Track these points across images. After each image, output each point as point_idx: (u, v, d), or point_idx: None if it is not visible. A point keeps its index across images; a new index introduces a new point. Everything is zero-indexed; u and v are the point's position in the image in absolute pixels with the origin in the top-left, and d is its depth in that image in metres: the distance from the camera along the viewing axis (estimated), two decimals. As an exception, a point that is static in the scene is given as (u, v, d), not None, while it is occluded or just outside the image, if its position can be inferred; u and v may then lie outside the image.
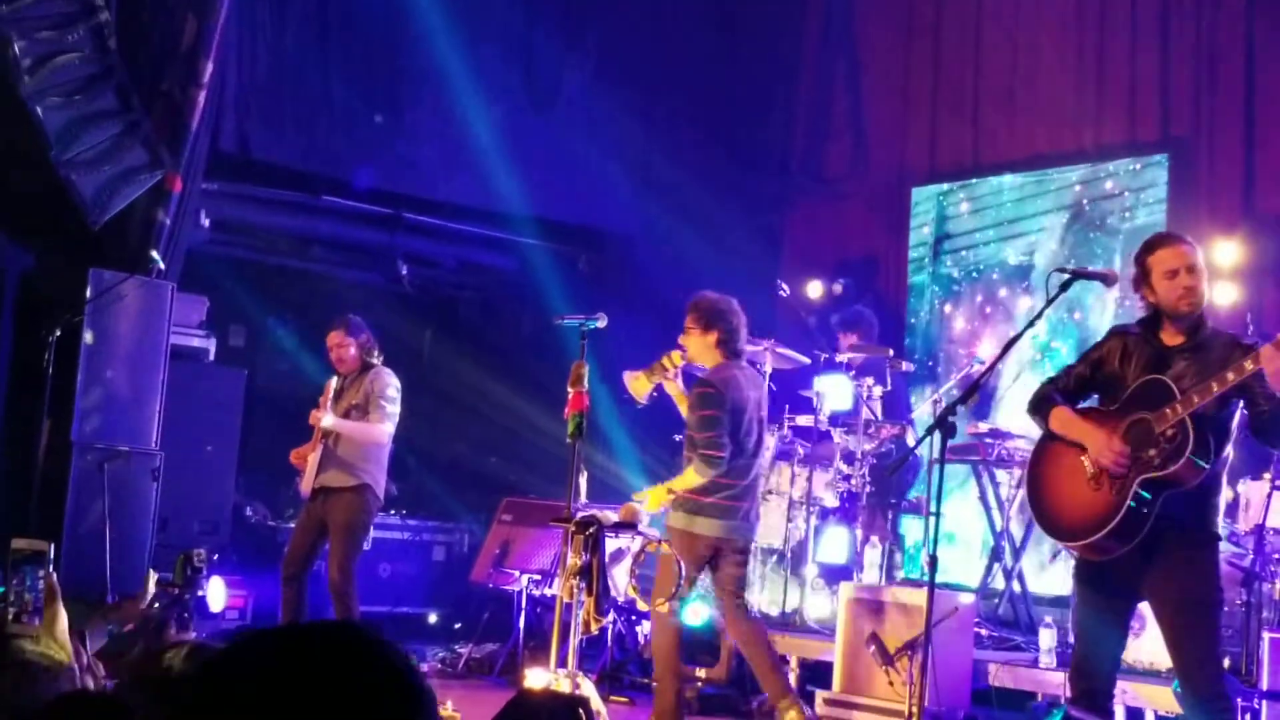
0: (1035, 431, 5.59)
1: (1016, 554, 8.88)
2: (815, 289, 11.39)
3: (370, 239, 12.09)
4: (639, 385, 7.05)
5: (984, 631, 8.17)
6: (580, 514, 6.62)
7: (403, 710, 1.62)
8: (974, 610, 7.79)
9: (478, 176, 11.57)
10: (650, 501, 6.86)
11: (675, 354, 7.00)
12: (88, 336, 9.00)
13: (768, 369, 9.54)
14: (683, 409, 7.03)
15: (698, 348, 6.94)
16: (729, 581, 6.92)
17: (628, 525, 6.69)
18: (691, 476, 6.79)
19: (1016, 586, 8.86)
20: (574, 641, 6.43)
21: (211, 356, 10.33)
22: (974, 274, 11.28)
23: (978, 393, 5.56)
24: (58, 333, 8.67)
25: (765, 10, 12.57)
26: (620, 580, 8.45)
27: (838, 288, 11.46)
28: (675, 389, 7.10)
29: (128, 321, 9.25)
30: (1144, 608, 5.62)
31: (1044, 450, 5.46)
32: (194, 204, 10.05)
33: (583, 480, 6.91)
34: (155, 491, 9.22)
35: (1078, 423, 5.25)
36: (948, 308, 11.42)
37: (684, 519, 6.83)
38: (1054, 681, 7.05)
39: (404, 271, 11.79)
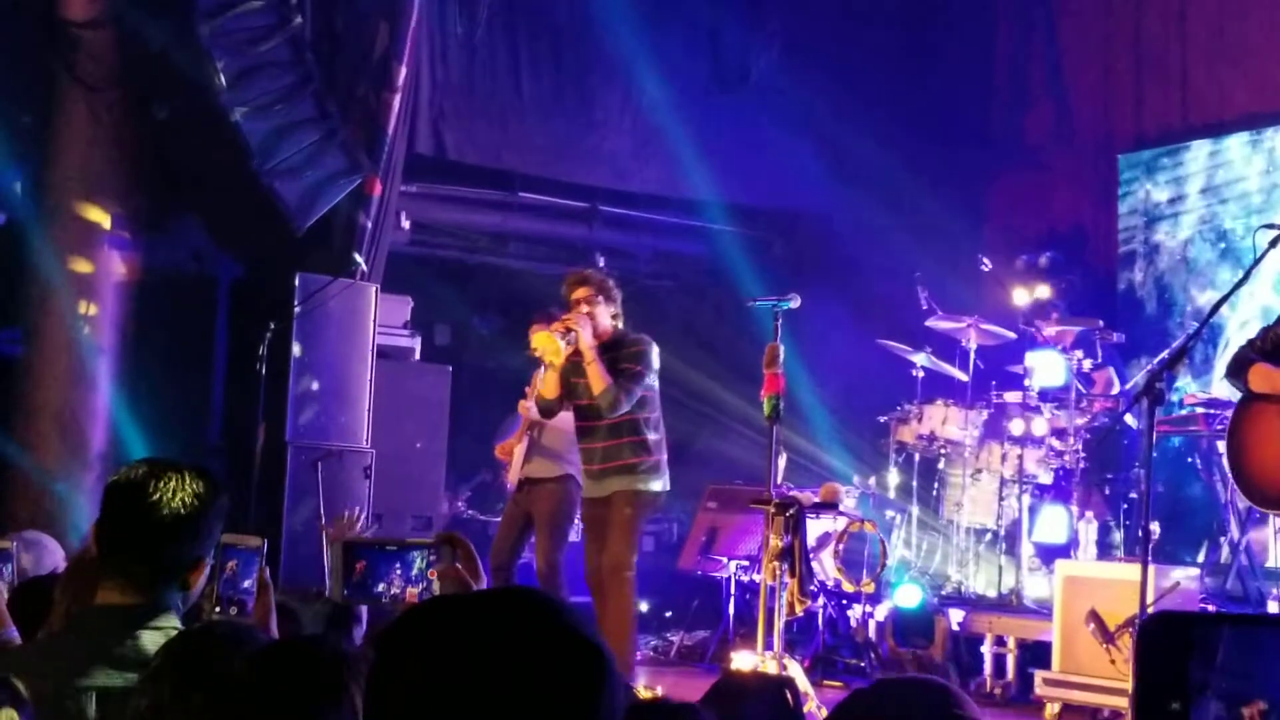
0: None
1: (1243, 527, 8.55)
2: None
3: (567, 233, 12.19)
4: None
5: (1210, 608, 7.88)
6: (780, 496, 6.57)
7: (582, 670, 1.61)
8: (1197, 585, 7.50)
9: (669, 165, 11.56)
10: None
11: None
12: (296, 349, 9.22)
13: (972, 345, 9.35)
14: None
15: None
16: None
17: (828, 506, 6.63)
18: None
19: (1244, 560, 8.53)
20: (779, 624, 6.40)
21: (417, 355, 10.49)
22: (1186, 240, 10.88)
23: (1187, 358, 5.36)
24: (268, 336, 8.91)
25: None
26: (826, 563, 8.38)
27: (1044, 260, 11.14)
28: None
29: (334, 324, 9.45)
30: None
31: (1243, 415, 5.27)
32: (393, 206, 10.23)
33: (781, 462, 6.84)
34: (368, 488, 9.39)
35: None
36: (1160, 275, 11.04)
37: None
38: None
39: (601, 264, 11.85)
